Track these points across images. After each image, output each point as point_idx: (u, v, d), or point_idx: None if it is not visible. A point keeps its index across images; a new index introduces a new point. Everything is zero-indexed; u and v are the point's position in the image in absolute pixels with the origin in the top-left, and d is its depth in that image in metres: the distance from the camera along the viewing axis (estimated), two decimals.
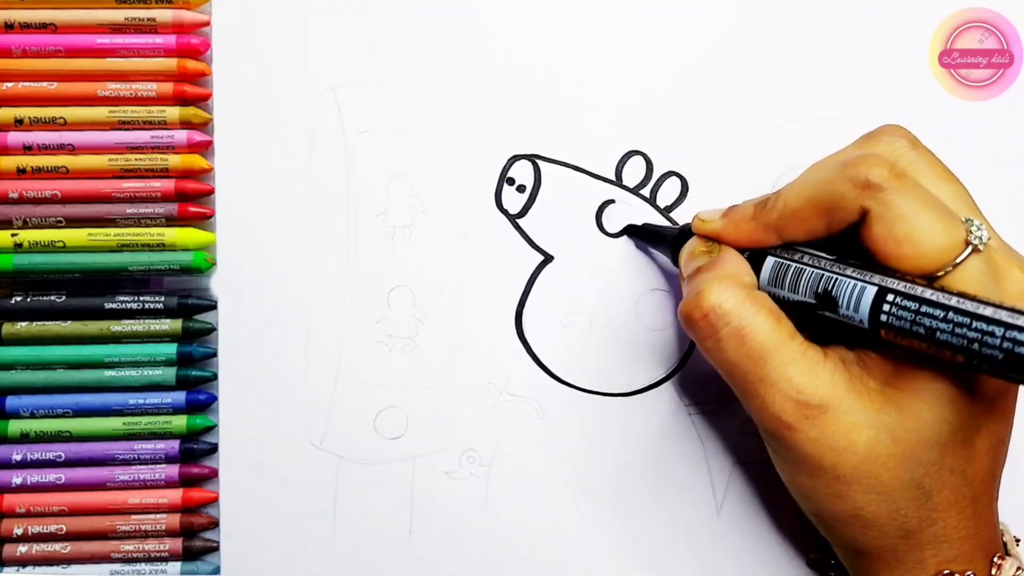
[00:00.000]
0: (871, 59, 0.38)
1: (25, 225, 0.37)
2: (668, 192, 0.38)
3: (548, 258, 0.38)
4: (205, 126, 0.37)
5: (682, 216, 0.38)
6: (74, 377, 0.37)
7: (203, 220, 0.37)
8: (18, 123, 0.36)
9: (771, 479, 0.38)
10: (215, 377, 0.37)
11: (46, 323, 0.37)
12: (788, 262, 0.31)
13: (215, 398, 0.37)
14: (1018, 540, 0.33)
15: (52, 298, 0.37)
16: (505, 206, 0.38)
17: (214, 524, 0.37)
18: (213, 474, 0.37)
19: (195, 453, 0.37)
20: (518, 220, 0.38)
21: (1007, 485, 0.32)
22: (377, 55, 0.38)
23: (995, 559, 0.31)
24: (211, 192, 0.37)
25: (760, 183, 0.38)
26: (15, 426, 0.37)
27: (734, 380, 0.30)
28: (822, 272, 0.30)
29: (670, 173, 0.38)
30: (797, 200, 0.30)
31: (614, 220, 0.38)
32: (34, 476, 0.37)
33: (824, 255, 0.31)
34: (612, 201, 0.38)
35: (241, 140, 0.38)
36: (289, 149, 0.38)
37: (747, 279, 0.31)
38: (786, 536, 0.38)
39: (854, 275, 0.29)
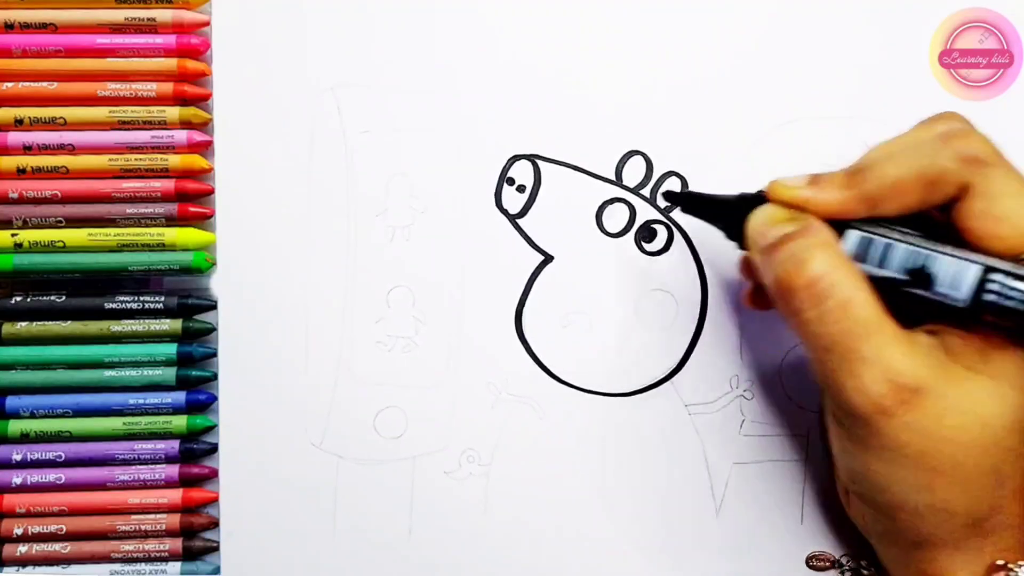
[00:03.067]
0: (871, 59, 0.38)
1: (25, 225, 0.37)
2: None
3: (548, 258, 0.38)
4: (205, 126, 0.37)
5: (682, 215, 0.38)
6: (74, 377, 0.37)
7: (203, 220, 0.37)
8: (18, 123, 0.36)
9: (771, 479, 0.38)
10: (215, 377, 0.37)
11: (46, 323, 0.37)
12: (876, 236, 0.30)
13: (215, 398, 0.37)
14: None
15: (52, 298, 0.37)
16: (505, 206, 0.38)
17: (214, 524, 0.37)
18: (213, 474, 0.37)
19: (195, 453, 0.37)
20: (518, 220, 0.38)
21: None
22: (377, 55, 0.38)
23: None
24: (211, 192, 0.37)
25: (760, 183, 0.38)
26: (15, 426, 0.37)
27: (830, 357, 0.28)
28: (916, 248, 0.29)
29: (670, 173, 0.38)
30: (897, 172, 0.29)
31: (614, 220, 0.38)
32: (34, 476, 0.37)
33: (911, 231, 0.29)
34: (613, 201, 0.38)
35: (241, 140, 0.38)
36: (289, 149, 0.38)
37: (844, 250, 0.29)
38: (785, 536, 0.38)
39: (953, 253, 0.28)
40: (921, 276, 0.29)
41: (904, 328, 0.29)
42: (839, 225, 0.30)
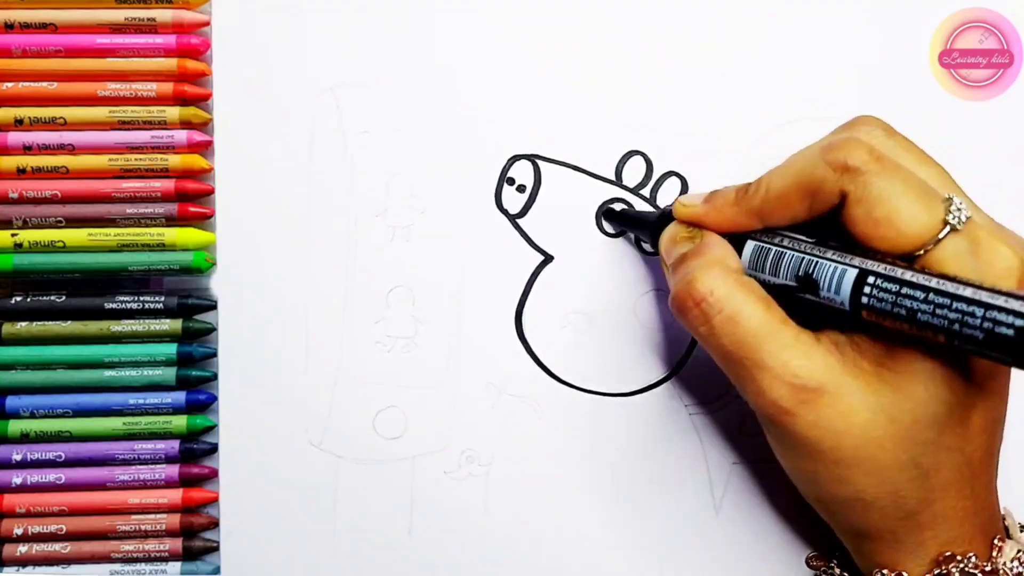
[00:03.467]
0: (871, 59, 0.38)
1: (25, 225, 0.37)
2: (668, 192, 0.38)
3: (548, 258, 0.38)
4: (205, 126, 0.37)
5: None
6: (74, 377, 0.37)
7: (203, 220, 0.37)
8: (18, 123, 0.36)
9: (770, 479, 0.38)
10: (215, 377, 0.37)
11: (46, 323, 0.37)
12: (768, 245, 0.31)
13: (215, 398, 0.37)
14: (1022, 526, 0.33)
15: (52, 298, 0.37)
16: (505, 206, 0.38)
17: (214, 524, 0.37)
18: (213, 474, 0.37)
19: (195, 453, 0.37)
20: (518, 220, 0.38)
21: (1010, 473, 0.32)
22: (377, 55, 0.38)
23: (995, 541, 0.31)
24: (211, 192, 0.37)
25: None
26: (15, 426, 0.37)
27: (730, 366, 0.30)
28: (802, 255, 0.30)
29: (670, 173, 0.38)
30: (779, 185, 0.31)
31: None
32: (34, 476, 0.37)
33: (804, 238, 0.31)
34: (613, 201, 0.38)
35: (241, 140, 0.38)
36: (289, 149, 0.38)
37: (734, 264, 0.31)
38: (785, 536, 0.38)
39: (834, 258, 0.29)
40: (808, 282, 0.30)
41: (813, 330, 0.30)
42: (741, 237, 0.32)
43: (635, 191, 0.38)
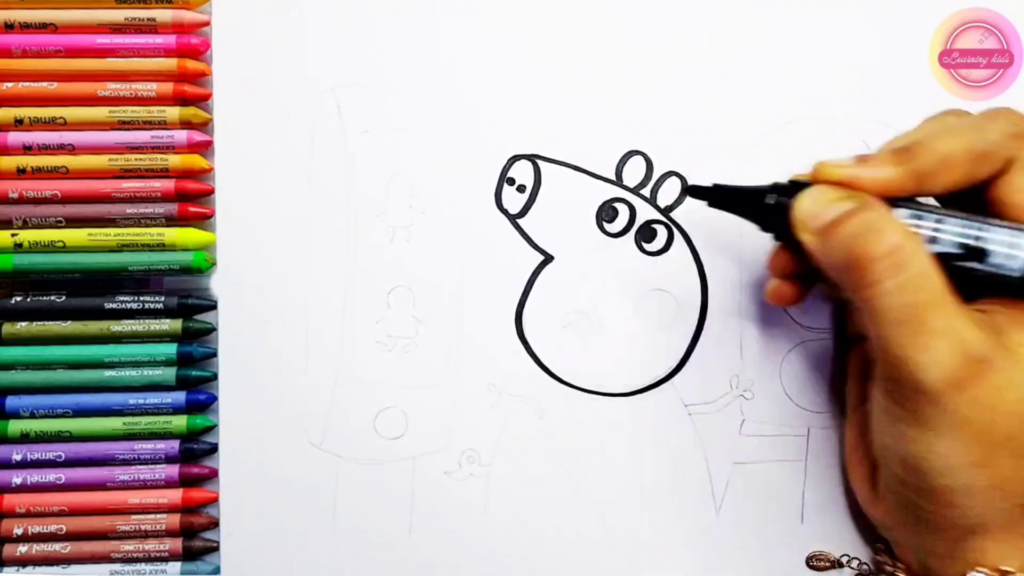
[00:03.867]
0: (871, 59, 0.38)
1: (25, 225, 0.37)
2: (668, 192, 0.38)
3: (548, 258, 0.38)
4: (205, 126, 0.37)
5: (682, 215, 0.38)
6: (74, 377, 0.37)
7: (203, 220, 0.37)
8: (18, 123, 0.36)
9: (771, 479, 0.38)
10: (215, 377, 0.37)
11: (46, 323, 0.37)
12: (926, 211, 0.30)
13: (215, 398, 0.37)
14: None
15: (52, 298, 0.37)
16: (505, 206, 0.38)
17: (214, 524, 0.37)
18: (213, 474, 0.37)
19: (195, 453, 0.37)
20: (518, 220, 0.38)
21: None
22: (377, 55, 0.38)
23: None
24: (211, 192, 0.37)
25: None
26: (15, 426, 0.37)
27: (902, 330, 0.28)
28: (966, 222, 0.29)
29: (670, 173, 0.38)
30: (947, 146, 0.30)
31: (614, 220, 0.38)
32: (34, 476, 0.37)
33: (953, 211, 0.30)
34: (613, 201, 0.38)
35: (241, 140, 0.38)
36: (289, 149, 0.38)
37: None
38: (785, 536, 0.38)
39: (1005, 225, 0.28)
40: (974, 250, 0.29)
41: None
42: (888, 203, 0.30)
43: (635, 191, 0.38)
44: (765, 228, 0.33)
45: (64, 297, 0.37)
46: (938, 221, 0.30)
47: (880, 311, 0.28)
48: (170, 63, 0.37)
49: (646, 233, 0.38)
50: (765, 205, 0.32)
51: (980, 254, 0.29)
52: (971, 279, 0.29)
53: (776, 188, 0.32)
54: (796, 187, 0.32)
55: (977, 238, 0.29)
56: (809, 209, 0.31)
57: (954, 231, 0.29)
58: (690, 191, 0.34)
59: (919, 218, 0.30)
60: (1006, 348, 0.28)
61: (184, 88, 0.37)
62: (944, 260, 0.29)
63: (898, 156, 0.30)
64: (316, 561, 0.37)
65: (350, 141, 0.38)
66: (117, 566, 0.37)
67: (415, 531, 0.38)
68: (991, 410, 0.28)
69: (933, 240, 0.30)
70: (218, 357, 0.37)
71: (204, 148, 0.37)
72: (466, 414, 0.38)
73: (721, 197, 0.34)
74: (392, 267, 0.38)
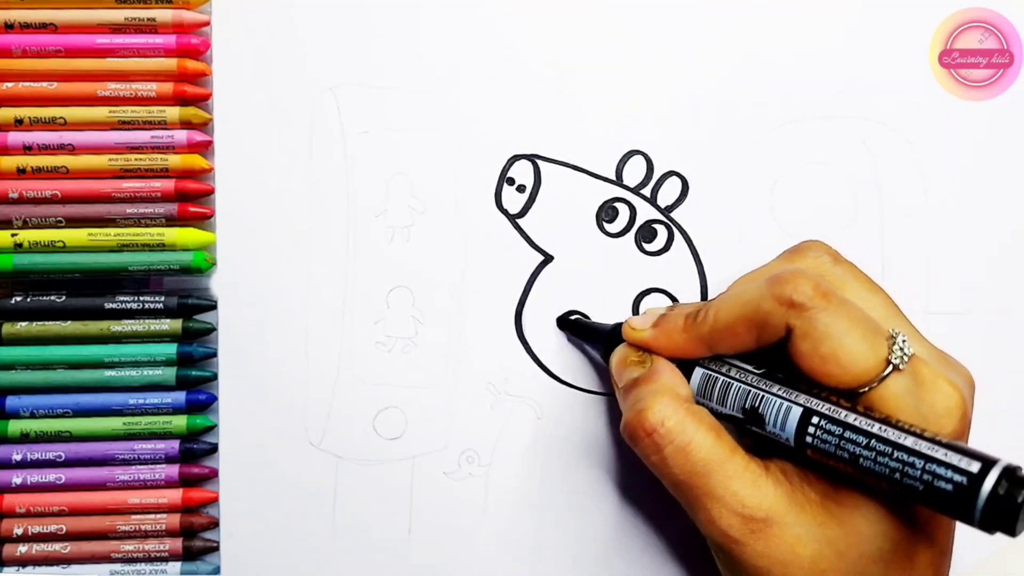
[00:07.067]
0: (871, 59, 0.38)
1: (25, 225, 0.37)
2: (668, 192, 0.38)
3: (548, 258, 0.38)
4: (205, 126, 0.37)
5: (683, 216, 0.38)
6: (74, 377, 0.37)
7: (203, 220, 0.37)
8: (18, 123, 0.37)
9: None
10: (215, 377, 0.37)
11: (46, 323, 0.37)
12: (716, 375, 0.31)
13: (215, 398, 0.37)
14: None
15: (52, 298, 0.37)
16: (505, 206, 0.38)
17: (214, 524, 0.37)
18: (213, 474, 0.37)
19: (195, 453, 0.37)
20: (518, 220, 0.38)
21: None
22: (377, 55, 0.38)
23: None
24: (211, 192, 0.37)
25: (760, 183, 0.38)
26: (15, 426, 0.37)
27: (680, 494, 0.31)
28: (749, 388, 0.30)
29: (670, 173, 0.38)
30: (727, 316, 0.31)
31: (614, 220, 0.38)
32: (34, 476, 0.37)
33: (752, 369, 0.31)
34: (613, 201, 0.38)
35: (241, 140, 0.38)
36: (289, 149, 0.38)
37: (684, 391, 0.31)
38: None
39: (780, 393, 0.30)
40: (754, 415, 0.30)
41: (763, 457, 0.30)
42: (690, 363, 0.32)
43: (635, 191, 0.38)
44: (605, 362, 0.35)
45: (64, 297, 0.37)
46: (725, 386, 0.31)
47: (658, 476, 0.31)
48: (170, 63, 0.37)
49: (646, 233, 0.38)
50: (605, 346, 0.35)
51: (760, 420, 0.30)
52: (763, 439, 0.31)
53: (613, 332, 0.35)
54: (616, 339, 0.34)
55: (753, 405, 0.30)
56: (613, 369, 0.34)
57: (736, 396, 0.31)
58: (559, 322, 0.38)
59: (709, 381, 0.32)
60: (797, 504, 0.29)
61: (184, 88, 0.37)
62: (733, 421, 0.31)
63: (687, 322, 0.32)
64: (316, 561, 0.37)
65: (350, 141, 0.38)
66: (117, 566, 0.37)
67: (414, 531, 0.38)
68: (782, 563, 0.29)
69: (722, 403, 0.31)
70: (218, 357, 0.37)
71: (204, 148, 0.37)
72: (465, 414, 0.38)
73: (576, 330, 0.38)
74: (392, 267, 0.38)
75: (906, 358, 0.28)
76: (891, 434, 0.27)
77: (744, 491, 0.29)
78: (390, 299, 0.38)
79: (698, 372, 0.32)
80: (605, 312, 0.38)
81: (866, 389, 0.28)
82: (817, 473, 0.30)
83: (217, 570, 0.37)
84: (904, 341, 0.29)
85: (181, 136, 0.37)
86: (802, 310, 0.29)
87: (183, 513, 0.37)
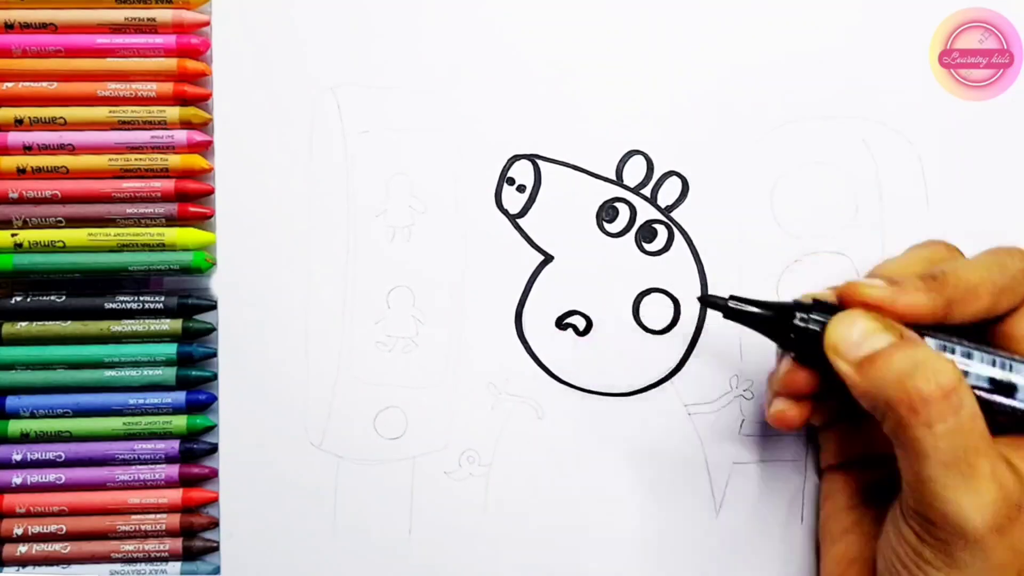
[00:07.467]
0: (871, 59, 0.38)
1: (25, 225, 0.37)
2: (669, 192, 0.38)
3: (548, 258, 0.38)
4: (205, 126, 0.37)
5: (683, 216, 0.38)
6: (74, 377, 0.37)
7: (203, 220, 0.37)
8: (18, 123, 0.37)
9: (770, 479, 0.38)
10: (215, 377, 0.37)
11: (46, 323, 0.37)
12: (955, 344, 0.29)
13: (215, 398, 0.37)
14: None
15: (52, 298, 0.37)
16: (505, 206, 0.38)
17: (214, 524, 0.37)
18: (213, 474, 0.37)
19: (195, 453, 0.37)
20: (518, 220, 0.38)
21: None
22: (377, 55, 0.38)
23: None
24: (211, 192, 0.37)
25: (760, 183, 0.38)
26: (15, 426, 0.37)
27: (948, 472, 0.27)
28: (994, 356, 0.29)
29: (670, 173, 0.38)
30: (975, 276, 0.30)
31: (614, 220, 0.38)
32: (34, 476, 0.37)
33: (975, 344, 0.29)
34: (613, 201, 0.38)
35: (241, 140, 0.38)
36: (289, 149, 0.38)
37: None
38: (785, 536, 0.38)
39: None
40: (1004, 385, 0.28)
41: None
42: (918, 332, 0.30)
43: (635, 191, 0.38)
44: (786, 347, 0.32)
45: (64, 297, 0.37)
46: (966, 355, 0.29)
47: (927, 452, 0.28)
48: (170, 63, 0.37)
49: (646, 233, 0.38)
50: (791, 326, 0.31)
51: (1010, 389, 0.28)
52: (993, 415, 0.29)
53: (800, 306, 0.31)
54: (821, 308, 0.31)
55: (1005, 374, 0.28)
56: (847, 338, 0.30)
57: (984, 365, 0.29)
58: (703, 301, 0.34)
59: (948, 350, 0.29)
60: None
61: (184, 88, 0.37)
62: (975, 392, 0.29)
63: (929, 283, 0.30)
64: (316, 561, 0.37)
65: (350, 141, 0.38)
66: (117, 566, 0.37)
67: (415, 531, 0.38)
68: (1021, 554, 0.27)
69: (964, 374, 0.29)
70: (218, 357, 0.37)
71: (204, 148, 0.37)
72: (466, 414, 0.38)
73: (736, 312, 0.32)
74: (392, 267, 0.38)
75: None
76: None
77: (1008, 475, 0.27)
78: (390, 299, 0.38)
79: (930, 342, 0.29)
80: (605, 312, 0.38)
81: None
82: None
83: (217, 570, 0.37)
84: None
85: (181, 136, 0.37)
86: None
87: (183, 513, 0.37)
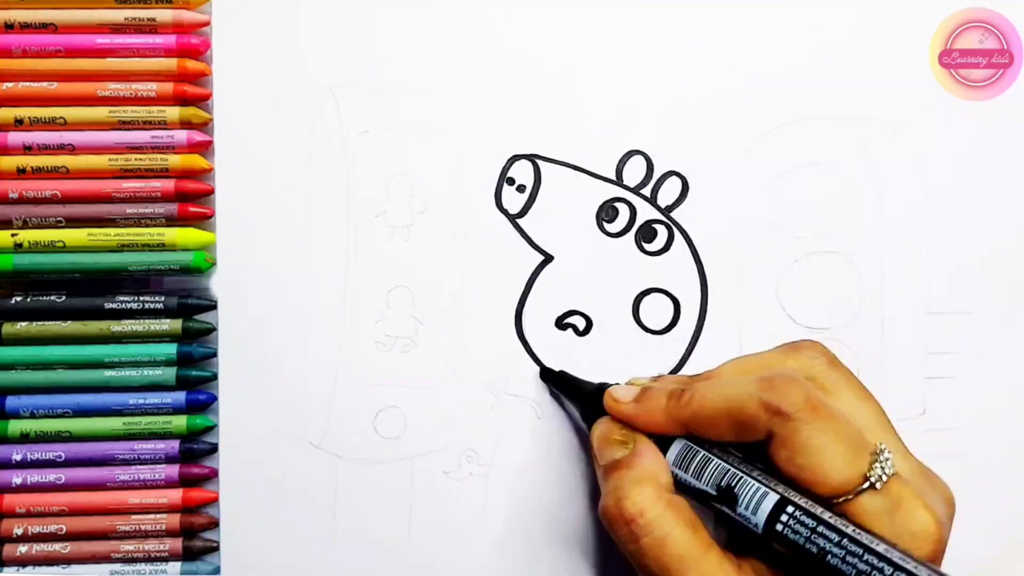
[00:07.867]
0: (871, 59, 0.38)
1: (25, 225, 0.37)
2: (668, 192, 0.38)
3: (548, 258, 0.38)
4: (205, 126, 0.37)
5: (683, 216, 0.38)
6: (74, 377, 0.37)
7: (203, 220, 0.37)
8: (18, 123, 0.37)
9: None
10: (215, 377, 0.37)
11: (46, 323, 0.37)
12: (697, 449, 0.31)
13: (215, 398, 0.37)
14: None
15: (52, 298, 0.37)
16: (505, 206, 0.38)
17: (214, 524, 0.37)
18: (213, 474, 0.37)
19: (195, 453, 0.37)
20: (518, 220, 0.38)
21: None
22: (377, 55, 0.38)
23: None
24: (211, 192, 0.37)
25: (760, 183, 0.38)
26: (15, 426, 0.37)
27: None
28: (728, 467, 0.30)
29: (670, 173, 0.38)
30: (710, 407, 0.31)
31: (614, 220, 0.38)
32: (34, 476, 0.37)
33: (732, 451, 0.31)
34: (613, 201, 0.38)
35: (241, 140, 0.38)
36: (289, 149, 0.38)
37: (664, 480, 0.31)
38: None
39: (758, 478, 0.29)
40: (728, 495, 0.30)
41: (736, 556, 0.30)
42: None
43: (635, 191, 0.38)
44: (585, 423, 0.35)
45: (64, 297, 0.37)
46: (704, 461, 0.31)
47: (633, 564, 0.30)
48: (170, 63, 0.37)
49: (646, 233, 0.38)
50: (584, 407, 0.36)
51: (732, 500, 0.30)
52: (731, 524, 0.30)
53: (595, 393, 0.35)
54: (597, 404, 0.34)
55: (730, 485, 0.30)
56: (595, 444, 0.34)
57: (713, 473, 0.30)
58: (541, 374, 0.38)
59: (688, 453, 0.31)
60: None
61: (184, 88, 0.37)
62: (704, 497, 0.31)
63: (669, 401, 0.32)
64: (316, 561, 0.37)
65: (350, 141, 0.38)
66: (117, 566, 0.37)
67: (414, 531, 0.38)
68: None
69: (698, 477, 0.31)
70: (218, 357, 0.37)
71: (204, 148, 0.37)
72: (465, 414, 0.38)
73: (559, 382, 0.37)
74: (392, 267, 0.38)
75: (885, 477, 0.28)
76: (864, 537, 0.27)
77: None
78: (390, 299, 0.38)
79: (679, 443, 0.32)
80: (605, 312, 0.38)
81: (841, 500, 0.28)
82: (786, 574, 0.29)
83: (217, 570, 0.37)
84: (887, 459, 0.28)
85: (181, 136, 0.37)
86: (787, 419, 0.29)
87: (183, 513, 0.37)
